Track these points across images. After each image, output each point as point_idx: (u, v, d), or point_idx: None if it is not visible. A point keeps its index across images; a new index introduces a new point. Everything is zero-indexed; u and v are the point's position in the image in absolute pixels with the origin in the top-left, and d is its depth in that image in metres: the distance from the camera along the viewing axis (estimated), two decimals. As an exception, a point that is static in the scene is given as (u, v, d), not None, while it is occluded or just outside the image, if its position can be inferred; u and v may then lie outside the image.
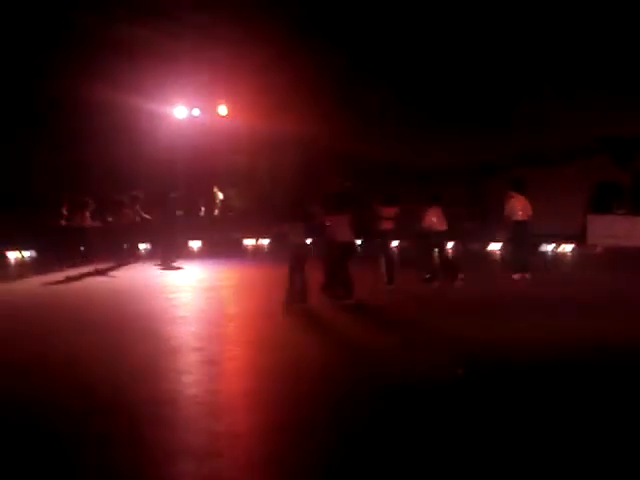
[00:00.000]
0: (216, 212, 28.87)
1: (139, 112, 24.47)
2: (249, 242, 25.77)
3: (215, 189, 28.92)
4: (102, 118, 23.59)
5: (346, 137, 24.89)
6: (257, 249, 25.07)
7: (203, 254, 23.01)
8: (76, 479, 4.85)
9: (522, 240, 14.59)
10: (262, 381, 7.22)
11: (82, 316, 11.49)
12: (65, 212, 19.09)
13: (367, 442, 5.37)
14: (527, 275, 14.45)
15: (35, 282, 15.96)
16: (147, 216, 19.77)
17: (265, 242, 25.51)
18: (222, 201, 29.05)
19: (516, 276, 14.42)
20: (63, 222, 18.98)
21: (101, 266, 18.09)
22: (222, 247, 23.58)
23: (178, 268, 18.33)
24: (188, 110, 26.13)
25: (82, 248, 19.49)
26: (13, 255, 21.89)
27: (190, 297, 13.21)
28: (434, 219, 13.76)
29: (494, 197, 24.70)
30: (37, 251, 21.56)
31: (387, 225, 13.58)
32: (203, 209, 28.72)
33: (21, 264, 20.82)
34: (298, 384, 7.01)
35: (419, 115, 24.91)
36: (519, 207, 14.28)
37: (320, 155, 26.79)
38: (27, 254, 22.04)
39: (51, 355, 8.39)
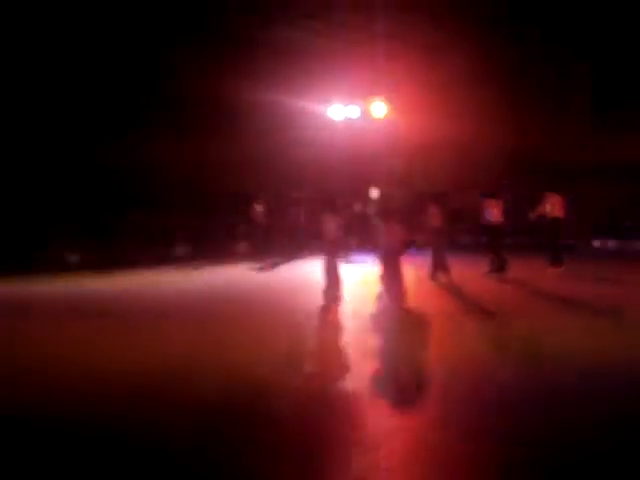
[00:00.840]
0: (371, 213, 28.47)
1: (296, 112, 24.62)
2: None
3: (371, 189, 28.52)
4: (261, 118, 23.95)
5: (505, 133, 23.84)
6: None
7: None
8: (249, 462, 4.68)
9: (557, 236, 15.25)
10: (435, 375, 6.87)
11: (260, 309, 11.56)
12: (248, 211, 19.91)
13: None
14: (561, 269, 14.86)
15: (209, 277, 16.42)
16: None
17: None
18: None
19: (550, 270, 14.92)
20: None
21: (274, 260, 18.77)
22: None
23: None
24: (344, 110, 25.94)
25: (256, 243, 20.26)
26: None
27: (357, 291, 13.13)
28: (494, 211, 14.85)
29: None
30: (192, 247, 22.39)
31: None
32: (358, 209, 28.41)
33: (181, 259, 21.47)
34: (471, 381, 6.53)
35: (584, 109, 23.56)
36: (556, 205, 15.01)
37: (479, 153, 25.80)
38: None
39: (238, 347, 8.29)
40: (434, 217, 14.53)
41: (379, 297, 12.02)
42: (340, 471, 4.56)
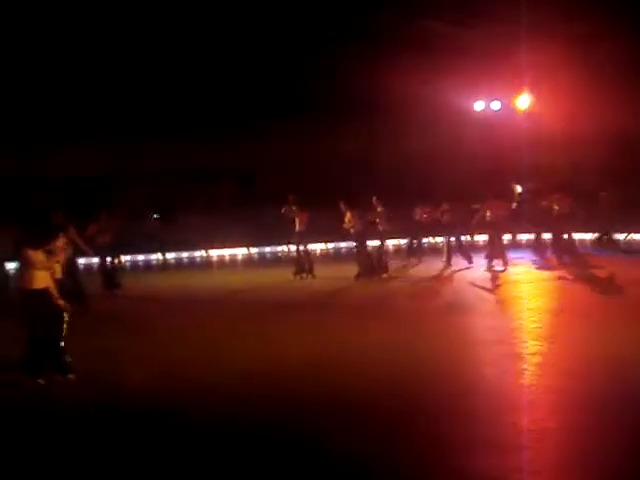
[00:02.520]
0: (514, 205, 28.12)
1: (440, 107, 24.82)
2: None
3: (514, 183, 28.24)
4: (406, 113, 24.43)
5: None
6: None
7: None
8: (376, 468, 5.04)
9: (558, 229, 16.77)
10: (566, 379, 6.98)
11: (388, 307, 12.00)
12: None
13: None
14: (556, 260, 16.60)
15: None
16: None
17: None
18: (520, 194, 28.23)
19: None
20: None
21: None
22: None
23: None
24: (487, 103, 25.83)
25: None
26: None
27: (487, 291, 13.14)
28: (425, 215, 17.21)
29: None
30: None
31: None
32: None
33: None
34: (603, 384, 6.66)
35: None
36: (560, 203, 16.59)
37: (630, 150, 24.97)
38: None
39: (358, 347, 8.80)
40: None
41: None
42: (482, 470, 4.85)
